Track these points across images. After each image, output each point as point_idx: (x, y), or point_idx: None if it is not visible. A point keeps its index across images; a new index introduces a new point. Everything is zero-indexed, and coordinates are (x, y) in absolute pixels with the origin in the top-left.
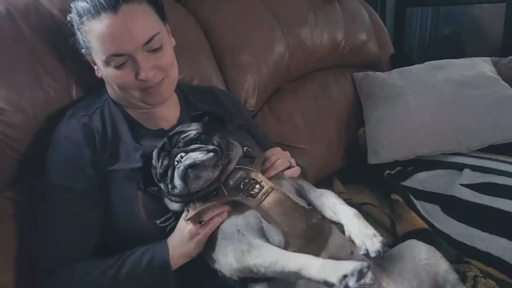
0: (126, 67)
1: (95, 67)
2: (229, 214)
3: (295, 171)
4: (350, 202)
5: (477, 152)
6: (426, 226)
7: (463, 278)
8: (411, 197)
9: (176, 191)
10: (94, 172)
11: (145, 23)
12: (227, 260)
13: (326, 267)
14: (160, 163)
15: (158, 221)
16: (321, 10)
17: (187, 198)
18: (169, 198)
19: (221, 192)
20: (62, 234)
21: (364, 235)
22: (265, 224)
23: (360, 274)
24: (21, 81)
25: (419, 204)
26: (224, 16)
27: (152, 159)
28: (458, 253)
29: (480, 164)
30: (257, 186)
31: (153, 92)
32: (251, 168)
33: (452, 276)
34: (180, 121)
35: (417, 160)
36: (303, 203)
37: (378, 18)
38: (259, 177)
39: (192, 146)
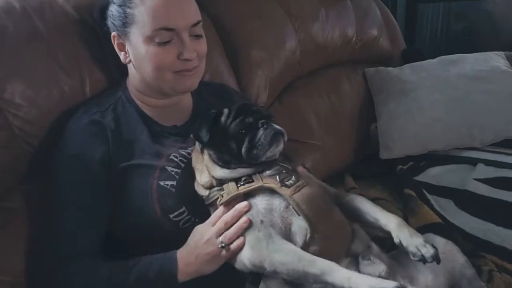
0: (169, 45)
1: (122, 54)
2: (254, 206)
3: None
4: None
5: (491, 147)
6: (439, 220)
7: (478, 272)
8: (424, 191)
9: (255, 151)
10: (104, 167)
11: (195, 7)
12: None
13: (356, 278)
14: (237, 120)
15: (171, 215)
16: (332, 6)
17: (249, 166)
18: (225, 161)
19: (258, 179)
20: (71, 228)
21: (417, 242)
22: (290, 219)
23: None
24: (37, 78)
25: (432, 199)
26: (236, 12)
27: (221, 115)
28: (472, 248)
29: (494, 159)
30: (293, 178)
31: (186, 76)
32: (288, 166)
33: (469, 271)
34: (193, 117)
35: (429, 155)
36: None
37: (390, 13)
38: (296, 173)
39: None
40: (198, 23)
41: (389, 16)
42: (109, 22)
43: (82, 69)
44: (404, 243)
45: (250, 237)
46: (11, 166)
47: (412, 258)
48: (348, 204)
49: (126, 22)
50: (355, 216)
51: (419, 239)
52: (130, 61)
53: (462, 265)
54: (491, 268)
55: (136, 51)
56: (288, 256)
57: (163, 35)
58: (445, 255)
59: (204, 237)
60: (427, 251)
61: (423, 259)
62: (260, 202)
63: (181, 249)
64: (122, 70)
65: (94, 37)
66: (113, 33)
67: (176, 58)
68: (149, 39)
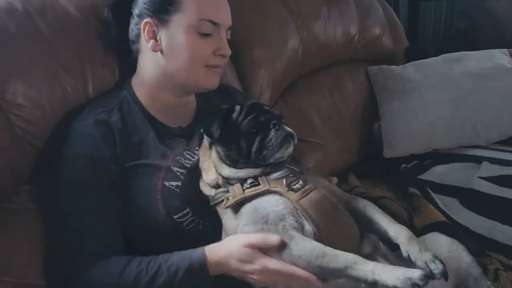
0: (209, 39)
1: (151, 41)
2: (270, 210)
3: None
4: (366, 196)
5: (496, 145)
6: (444, 219)
7: (484, 271)
8: (429, 190)
9: (265, 152)
10: (112, 166)
11: None
12: None
13: (379, 270)
14: (249, 118)
15: (175, 216)
16: (334, 4)
17: (256, 167)
18: (233, 159)
19: (264, 182)
20: (87, 230)
21: (426, 258)
22: (301, 221)
23: (427, 280)
24: (39, 78)
25: (437, 197)
26: (238, 11)
27: (232, 112)
28: (478, 246)
29: (499, 157)
30: (301, 182)
31: (215, 72)
32: (296, 169)
33: (475, 270)
34: (197, 118)
35: (434, 153)
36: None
37: (392, 11)
38: (303, 176)
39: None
40: (231, 28)
41: (391, 14)
42: (139, 10)
43: (84, 69)
44: (413, 258)
45: None
46: (14, 167)
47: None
48: (360, 212)
49: (168, 9)
50: (365, 224)
51: (428, 255)
52: (159, 49)
53: (468, 265)
54: (497, 266)
55: (174, 40)
56: (313, 253)
57: (207, 27)
58: (451, 254)
59: (251, 275)
60: (436, 267)
61: (431, 276)
62: (276, 205)
63: (212, 259)
64: (125, 69)
65: (97, 37)
66: (146, 20)
67: (212, 53)
68: (193, 29)
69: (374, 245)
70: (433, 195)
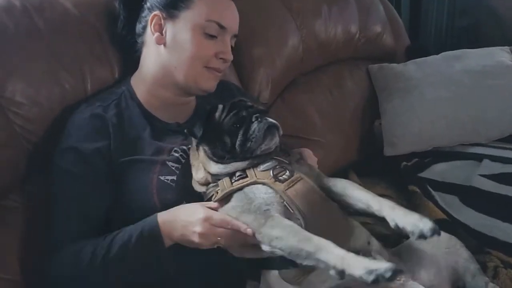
0: (213, 41)
1: (156, 34)
2: (258, 196)
3: None
4: None
5: (497, 142)
6: (444, 216)
7: (483, 268)
8: (429, 188)
9: (249, 144)
10: (104, 161)
11: None
12: None
13: (350, 259)
14: (231, 115)
15: None
16: (335, 2)
17: (243, 160)
18: (219, 156)
19: (252, 174)
20: (64, 217)
21: (413, 219)
22: (288, 212)
23: (394, 274)
24: (38, 76)
25: (437, 195)
26: (238, 9)
27: (215, 111)
28: (478, 244)
29: (500, 155)
30: (287, 173)
31: (214, 75)
32: (285, 160)
33: (473, 266)
34: (196, 114)
35: (434, 151)
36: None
37: (393, 9)
38: (291, 167)
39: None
40: (237, 35)
41: (392, 12)
42: (151, 2)
43: (82, 66)
44: (400, 224)
45: (250, 219)
46: (12, 165)
47: (412, 237)
48: (340, 193)
49: (178, 5)
50: (348, 205)
51: (414, 216)
52: (163, 43)
53: (465, 260)
54: (496, 264)
55: (179, 35)
56: (285, 231)
57: (214, 28)
58: (449, 250)
59: (194, 228)
60: (425, 225)
61: (422, 235)
62: (265, 193)
63: (163, 219)
64: (123, 67)
65: (95, 34)
66: (155, 12)
67: (214, 54)
68: (199, 28)
69: (366, 241)
70: (433, 192)
